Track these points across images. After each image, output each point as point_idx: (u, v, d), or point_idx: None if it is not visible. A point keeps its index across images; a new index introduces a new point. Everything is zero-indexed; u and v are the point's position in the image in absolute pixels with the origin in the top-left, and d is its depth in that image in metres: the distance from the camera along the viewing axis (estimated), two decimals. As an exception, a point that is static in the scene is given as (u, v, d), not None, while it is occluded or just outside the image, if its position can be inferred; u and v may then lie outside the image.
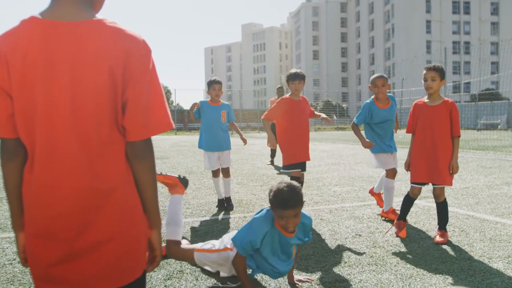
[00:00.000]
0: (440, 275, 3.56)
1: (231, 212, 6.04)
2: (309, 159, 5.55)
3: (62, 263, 1.43)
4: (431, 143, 4.45)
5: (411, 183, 4.65)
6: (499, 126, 34.27)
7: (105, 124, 1.43)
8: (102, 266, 1.44)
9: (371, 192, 6.09)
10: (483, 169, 10.13)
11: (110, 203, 1.44)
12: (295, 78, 5.36)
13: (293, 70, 5.46)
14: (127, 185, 1.48)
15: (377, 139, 5.39)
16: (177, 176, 3.87)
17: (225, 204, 6.33)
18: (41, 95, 1.40)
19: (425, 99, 4.57)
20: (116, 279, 1.48)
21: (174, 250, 3.47)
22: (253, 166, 11.64)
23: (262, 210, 3.19)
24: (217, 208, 6.28)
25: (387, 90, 5.47)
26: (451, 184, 4.50)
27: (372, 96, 5.45)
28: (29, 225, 1.47)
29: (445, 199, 4.54)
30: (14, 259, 4.06)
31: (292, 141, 5.42)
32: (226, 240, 3.29)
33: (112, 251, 1.45)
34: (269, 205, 3.02)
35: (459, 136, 4.43)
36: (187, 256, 3.42)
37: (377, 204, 5.97)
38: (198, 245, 3.44)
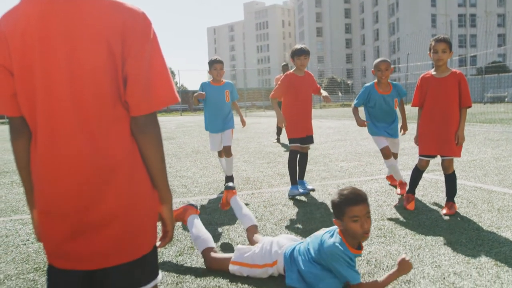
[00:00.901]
0: (449, 245, 3.59)
1: (238, 190, 6.07)
2: (311, 134, 5.68)
3: (71, 239, 1.44)
4: (440, 115, 4.41)
5: (420, 155, 4.64)
6: (506, 99, 33.94)
7: (106, 100, 1.41)
8: (111, 241, 1.45)
9: (387, 178, 6.09)
10: (490, 142, 10.08)
11: (116, 179, 1.43)
12: (301, 54, 5.41)
13: (297, 46, 5.52)
14: (133, 161, 1.47)
15: (373, 121, 5.43)
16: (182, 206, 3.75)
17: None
18: (39, 73, 1.40)
19: (432, 71, 4.52)
20: (125, 254, 1.48)
21: (208, 259, 3.27)
22: (260, 144, 11.66)
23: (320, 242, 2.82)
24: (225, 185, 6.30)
25: (392, 79, 5.44)
26: (459, 156, 4.49)
27: (375, 80, 5.42)
28: (39, 202, 1.48)
29: (454, 171, 4.54)
30: (28, 240, 4.13)
31: (294, 116, 5.53)
32: (275, 250, 3.04)
33: (120, 226, 1.45)
34: (336, 215, 2.75)
35: (469, 107, 4.39)
36: (222, 266, 3.19)
37: (391, 184, 5.97)
38: (234, 256, 3.17)
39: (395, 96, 5.36)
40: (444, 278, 2.97)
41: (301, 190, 5.56)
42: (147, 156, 1.48)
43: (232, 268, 3.11)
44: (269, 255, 3.03)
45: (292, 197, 5.50)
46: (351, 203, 2.67)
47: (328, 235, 2.82)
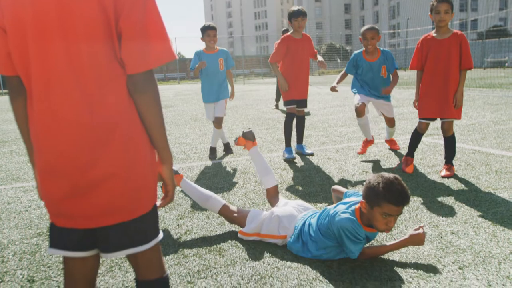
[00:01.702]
0: (447, 206, 3.63)
1: (238, 155, 6.09)
2: (305, 98, 5.72)
3: (70, 198, 1.44)
4: (442, 77, 4.36)
5: (420, 119, 4.62)
6: (506, 64, 33.68)
7: (101, 57, 1.38)
8: (110, 200, 1.45)
9: (386, 142, 6.08)
10: (489, 106, 10.06)
11: (114, 138, 1.41)
12: (298, 15, 5.40)
13: (294, 7, 5.50)
14: (131, 120, 1.45)
15: (363, 86, 5.45)
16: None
17: (213, 154, 6.13)
18: (31, 30, 1.37)
19: (433, 33, 4.46)
20: (125, 213, 1.48)
21: (230, 217, 3.28)
22: (258, 111, 11.63)
23: (325, 210, 2.82)
24: (224, 152, 6.33)
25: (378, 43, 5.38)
26: (460, 118, 4.48)
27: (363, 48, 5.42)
28: (38, 161, 1.48)
29: (454, 133, 4.54)
30: (30, 206, 4.17)
31: (290, 78, 5.57)
32: (284, 226, 3.01)
33: (119, 185, 1.44)
34: (368, 199, 2.57)
35: (470, 69, 4.34)
36: (241, 223, 3.23)
37: (390, 148, 5.99)
38: (247, 225, 3.15)
39: (382, 62, 5.31)
40: (441, 237, 3.02)
41: (293, 155, 5.66)
42: (145, 116, 1.46)
43: (240, 236, 3.15)
44: (277, 229, 3.02)
45: (288, 160, 5.57)
46: (393, 202, 2.47)
47: (343, 207, 2.74)
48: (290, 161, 5.55)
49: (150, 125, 1.48)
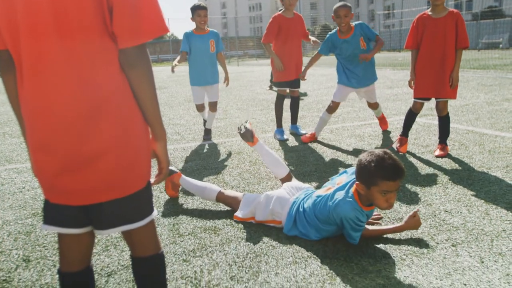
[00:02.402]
0: (440, 185, 3.65)
1: (231, 135, 6.08)
2: (297, 77, 5.65)
3: (63, 174, 1.42)
4: (438, 56, 4.33)
5: (414, 98, 4.60)
6: (500, 45, 33.60)
7: (92, 31, 1.35)
8: (103, 176, 1.43)
9: (378, 120, 6.03)
10: (483, 87, 10.07)
11: (106, 113, 1.39)
12: None
13: None
14: (123, 95, 1.42)
15: (345, 71, 5.28)
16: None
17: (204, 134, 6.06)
18: (21, 5, 1.33)
19: (429, 11, 4.42)
20: (119, 189, 1.47)
21: (227, 201, 3.29)
22: (252, 92, 11.59)
23: (324, 198, 2.74)
24: (204, 136, 6.03)
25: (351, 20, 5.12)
26: (455, 97, 4.47)
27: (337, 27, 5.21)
28: (30, 138, 1.46)
29: (448, 113, 4.54)
30: (24, 187, 4.15)
31: (282, 59, 5.52)
32: (278, 212, 2.97)
33: (112, 162, 1.43)
34: (363, 180, 2.51)
35: (466, 47, 4.30)
36: (235, 208, 3.23)
37: (379, 125, 5.99)
38: (241, 210, 3.16)
39: (358, 35, 5.06)
40: (435, 215, 3.05)
41: (285, 137, 5.70)
42: (138, 91, 1.43)
43: (236, 219, 3.14)
44: (270, 215, 2.99)
45: (281, 141, 5.61)
46: (389, 178, 2.41)
47: (342, 193, 2.65)
48: (283, 142, 5.55)
49: (143, 101, 1.45)
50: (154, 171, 1.58)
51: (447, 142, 4.66)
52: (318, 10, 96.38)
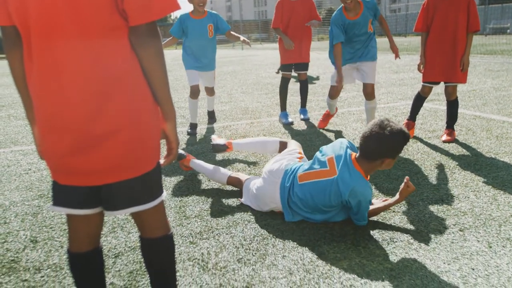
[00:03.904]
0: (447, 170, 3.63)
1: (238, 119, 6.06)
2: (305, 61, 5.62)
3: (73, 154, 1.40)
4: (449, 39, 4.24)
5: (423, 82, 4.53)
6: (508, 31, 33.19)
7: (103, 8, 1.31)
8: (113, 156, 1.41)
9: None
10: (490, 73, 9.98)
11: (117, 91, 1.37)
12: None
13: None
14: (134, 74, 1.40)
15: (345, 50, 4.66)
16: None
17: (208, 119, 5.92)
18: None
19: None
20: (129, 170, 1.46)
21: (238, 185, 3.27)
22: (258, 76, 11.52)
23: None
24: (188, 132, 5.42)
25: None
26: (465, 82, 4.40)
27: (341, 5, 4.59)
28: (38, 117, 1.43)
29: (457, 97, 4.49)
30: (30, 169, 4.16)
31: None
32: (267, 201, 2.94)
33: (122, 141, 1.40)
34: (392, 152, 2.56)
35: (477, 31, 4.24)
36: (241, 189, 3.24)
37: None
38: (243, 195, 3.17)
39: (368, 16, 4.49)
40: (442, 200, 3.03)
41: (289, 120, 5.67)
42: (148, 70, 1.41)
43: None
44: (264, 205, 2.95)
45: (286, 124, 5.60)
46: (403, 147, 2.59)
47: (348, 175, 2.58)
48: (289, 126, 5.52)
49: (154, 79, 1.43)
50: (163, 152, 1.56)
51: (454, 127, 4.63)
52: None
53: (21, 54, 1.42)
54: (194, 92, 5.29)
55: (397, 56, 4.68)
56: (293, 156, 3.05)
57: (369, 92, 4.70)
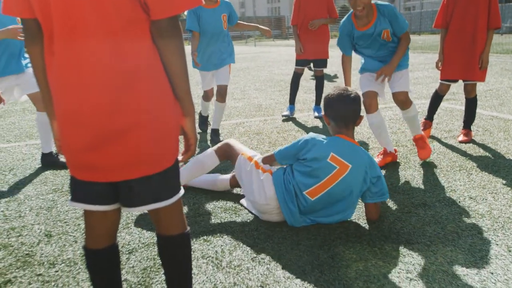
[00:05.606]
0: (464, 171, 3.57)
1: (251, 116, 6.03)
2: (323, 57, 5.74)
3: (93, 150, 1.39)
4: (469, 36, 4.16)
5: (441, 80, 4.44)
6: (524, 30, 32.66)
7: (126, 1, 1.31)
8: (133, 152, 1.40)
9: (414, 141, 3.99)
10: (507, 72, 9.82)
11: (138, 86, 1.35)
12: None
13: None
14: (154, 67, 1.39)
15: (365, 58, 3.98)
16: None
17: (209, 132, 5.15)
18: None
19: None
20: (148, 166, 1.44)
21: (235, 183, 3.17)
22: (270, 73, 11.48)
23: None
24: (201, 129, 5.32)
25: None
26: (484, 80, 4.32)
27: (351, 10, 3.68)
28: (58, 111, 1.42)
29: (476, 95, 4.40)
30: (44, 163, 4.18)
31: (302, 38, 5.59)
32: (261, 210, 2.81)
33: (143, 136, 1.39)
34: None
35: (498, 28, 4.15)
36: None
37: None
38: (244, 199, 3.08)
39: (382, 26, 3.53)
40: (459, 202, 2.98)
41: (289, 113, 5.80)
42: (169, 65, 1.40)
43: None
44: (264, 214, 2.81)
45: (285, 116, 5.74)
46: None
47: (357, 155, 2.63)
48: (301, 123, 5.48)
49: (174, 73, 1.42)
50: (180, 148, 1.55)
51: (471, 127, 4.55)
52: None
53: (41, 47, 1.41)
54: (208, 97, 5.07)
55: (383, 80, 3.74)
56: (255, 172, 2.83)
57: (401, 100, 3.78)
